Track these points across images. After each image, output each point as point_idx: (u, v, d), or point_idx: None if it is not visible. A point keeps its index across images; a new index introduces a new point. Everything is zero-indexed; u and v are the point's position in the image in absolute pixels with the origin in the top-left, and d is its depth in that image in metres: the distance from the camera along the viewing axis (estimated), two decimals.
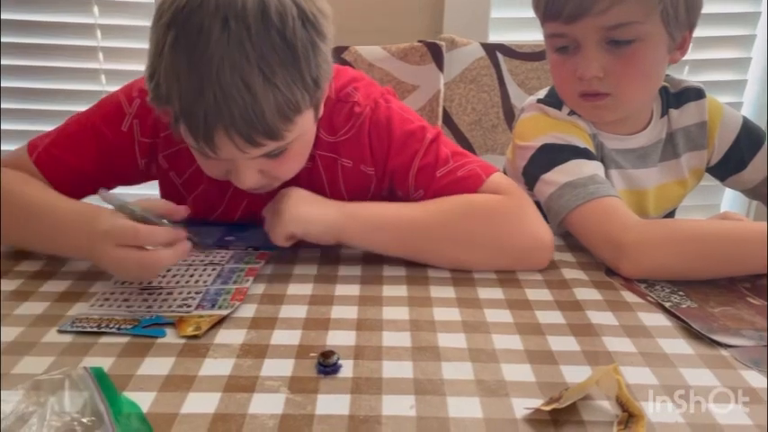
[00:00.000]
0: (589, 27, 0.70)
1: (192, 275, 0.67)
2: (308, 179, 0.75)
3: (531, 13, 0.77)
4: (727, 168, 0.86)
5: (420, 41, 1.12)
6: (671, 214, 0.89)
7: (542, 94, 0.83)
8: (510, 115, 1.18)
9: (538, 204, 0.74)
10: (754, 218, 1.45)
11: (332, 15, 0.64)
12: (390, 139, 0.74)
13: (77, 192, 0.73)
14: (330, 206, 0.70)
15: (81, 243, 0.63)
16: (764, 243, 0.63)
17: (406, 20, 1.34)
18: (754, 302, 0.62)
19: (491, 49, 1.17)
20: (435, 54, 1.11)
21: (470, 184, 0.72)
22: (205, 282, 0.65)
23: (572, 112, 0.79)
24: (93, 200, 0.70)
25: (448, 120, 1.17)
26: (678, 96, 0.84)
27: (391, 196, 0.78)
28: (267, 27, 0.58)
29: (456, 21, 1.33)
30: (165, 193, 0.80)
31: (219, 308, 0.60)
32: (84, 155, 0.73)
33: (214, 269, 0.68)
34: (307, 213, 0.69)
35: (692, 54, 1.37)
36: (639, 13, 0.69)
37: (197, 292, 0.63)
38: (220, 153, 0.61)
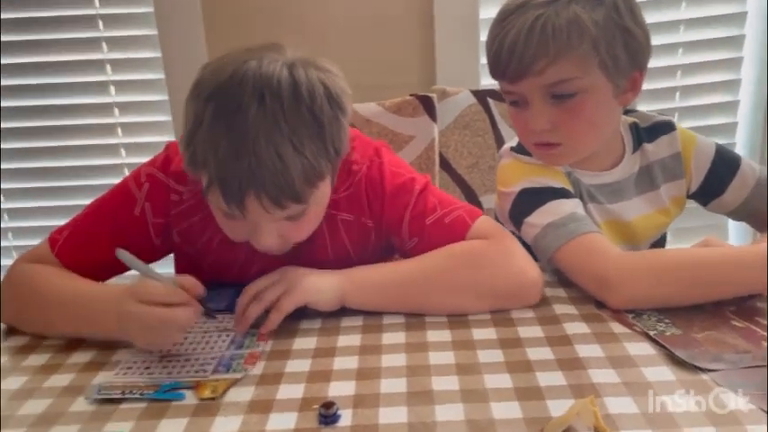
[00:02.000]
0: (532, 85, 0.75)
1: (207, 342, 0.71)
2: (311, 238, 0.77)
3: None
4: (706, 194, 0.89)
5: (412, 95, 1.18)
6: (662, 240, 0.92)
7: (515, 141, 0.88)
8: None
9: (528, 244, 0.78)
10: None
11: (351, 94, 0.72)
12: (384, 194, 0.80)
13: (100, 278, 0.79)
14: (332, 275, 0.75)
15: (109, 316, 0.67)
16: (742, 265, 0.66)
17: (400, 75, 1.41)
18: (737, 325, 0.64)
19: (481, 95, 1.23)
20: (427, 106, 1.17)
21: (458, 230, 0.77)
22: (220, 347, 0.69)
23: None
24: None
25: (446, 165, 1.22)
26: (650, 131, 0.88)
27: (390, 246, 0.83)
28: (298, 103, 0.66)
29: (448, 70, 1.39)
30: (179, 263, 0.86)
31: (234, 371, 0.64)
32: (102, 244, 0.77)
33: (228, 335, 0.72)
34: (315, 283, 0.73)
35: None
36: (576, 70, 0.73)
37: (212, 358, 0.67)
38: (248, 215, 0.67)
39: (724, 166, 0.87)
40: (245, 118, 0.64)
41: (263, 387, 0.60)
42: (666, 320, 0.66)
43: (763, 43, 1.41)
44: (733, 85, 1.46)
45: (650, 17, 1.38)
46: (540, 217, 0.77)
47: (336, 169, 0.75)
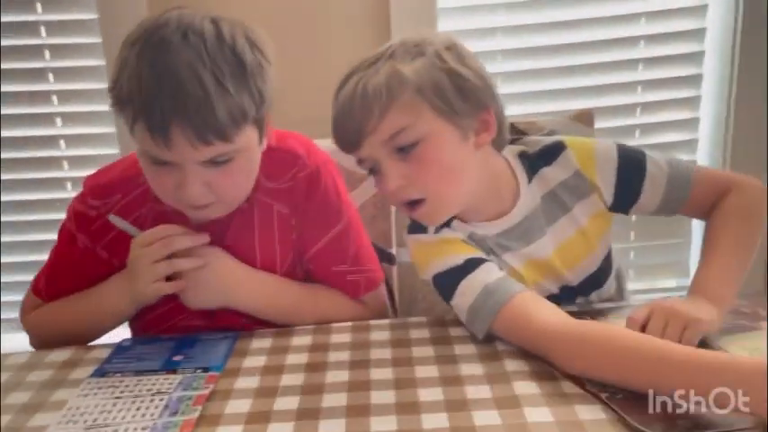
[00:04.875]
0: (372, 145, 0.73)
1: (138, 408, 0.66)
2: (241, 221, 0.84)
3: None
4: (623, 202, 0.83)
5: None
6: (606, 265, 0.86)
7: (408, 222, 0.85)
8: None
9: None
10: None
11: (274, 49, 0.76)
12: (316, 203, 0.85)
13: None
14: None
15: (119, 281, 0.82)
16: (687, 370, 0.57)
17: None
18: None
19: None
20: None
21: (351, 290, 0.88)
22: (152, 415, 0.65)
23: (438, 228, 0.81)
24: None
25: None
26: (542, 156, 0.84)
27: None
28: (221, 43, 0.69)
29: None
30: None
31: None
32: (76, 278, 0.86)
33: (162, 399, 0.68)
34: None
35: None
36: (406, 118, 0.71)
37: (143, 428, 0.62)
38: (174, 149, 0.68)
39: (630, 171, 0.82)
40: (168, 50, 0.67)
41: None
42: None
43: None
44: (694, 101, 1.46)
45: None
46: (460, 300, 0.75)
47: (264, 124, 0.77)
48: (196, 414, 0.64)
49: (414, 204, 0.76)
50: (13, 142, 1.44)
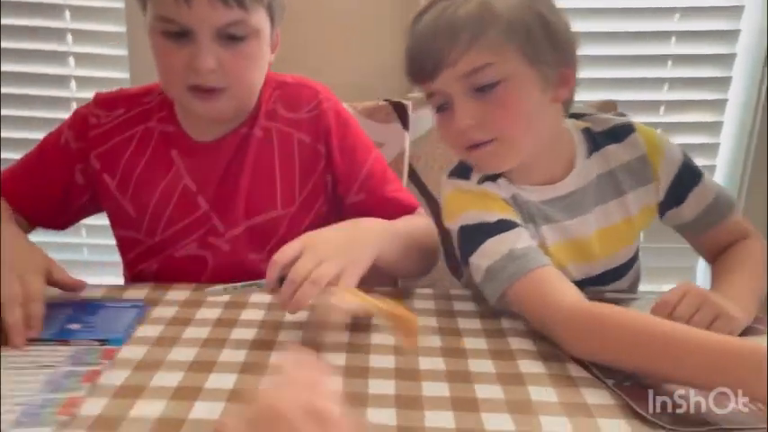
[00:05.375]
0: (449, 79, 0.70)
1: (18, 383, 0.57)
2: (260, 151, 0.84)
3: None
4: (668, 203, 0.81)
5: (386, 100, 1.13)
6: (632, 262, 0.85)
7: (453, 165, 0.82)
8: None
9: None
10: None
11: None
12: (351, 131, 0.88)
13: (44, 213, 0.86)
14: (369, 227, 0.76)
15: None
16: (704, 355, 0.54)
17: (379, 78, 1.35)
18: None
19: None
20: (401, 113, 1.11)
21: (409, 203, 0.89)
22: (30, 391, 0.56)
23: (481, 180, 0.78)
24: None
25: (415, 177, 1.16)
26: (608, 135, 0.81)
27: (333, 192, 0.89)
28: None
29: None
30: (108, 211, 0.89)
31: (42, 425, 0.51)
32: (30, 174, 0.86)
33: (45, 374, 0.59)
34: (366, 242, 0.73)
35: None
36: (491, 56, 0.69)
37: (17, 405, 0.54)
38: (193, 7, 0.71)
39: (689, 173, 0.80)
40: None
41: None
42: None
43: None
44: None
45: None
46: (480, 259, 0.72)
47: (275, 17, 0.80)
48: (82, 392, 0.56)
49: (479, 147, 0.73)
50: (20, 54, 1.40)
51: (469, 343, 0.66)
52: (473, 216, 0.74)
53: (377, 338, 0.67)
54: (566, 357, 0.63)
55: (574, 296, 0.66)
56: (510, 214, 0.75)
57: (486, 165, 0.76)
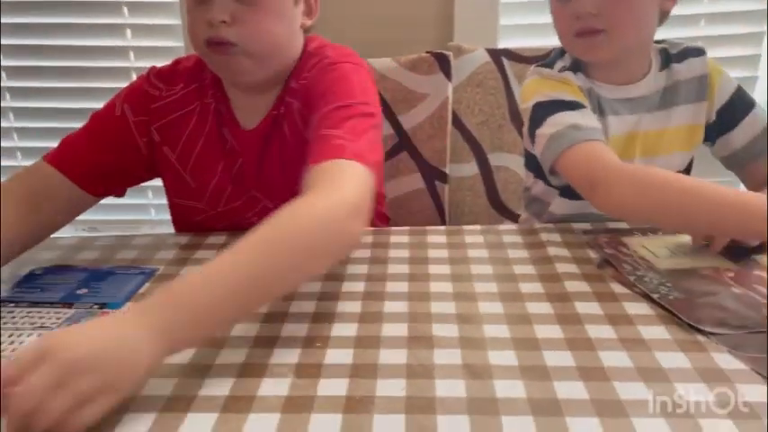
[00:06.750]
0: None
1: (11, 343, 0.58)
2: (275, 129, 0.83)
3: (537, 19, 0.84)
4: (719, 127, 0.90)
5: (428, 52, 1.17)
6: (686, 168, 0.92)
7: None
8: (515, 116, 1.22)
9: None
10: None
11: None
12: (327, 78, 0.79)
13: (94, 186, 0.83)
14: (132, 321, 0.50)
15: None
16: (739, 210, 0.66)
17: (418, 31, 1.40)
18: (737, 292, 0.65)
19: (496, 55, 1.21)
20: (443, 64, 1.16)
21: (326, 152, 0.68)
22: (14, 351, 0.57)
23: (563, 69, 0.87)
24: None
25: (457, 121, 1.22)
26: (679, 54, 0.90)
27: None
28: None
29: (466, 30, 1.37)
30: (167, 180, 0.90)
31: None
32: (87, 145, 0.83)
33: (40, 334, 0.60)
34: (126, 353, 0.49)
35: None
36: None
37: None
38: None
39: (741, 101, 0.89)
40: None
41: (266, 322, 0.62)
42: (668, 284, 0.67)
43: None
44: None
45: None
46: (547, 128, 0.82)
47: None
48: None
49: (590, 34, 0.81)
50: (79, 29, 1.49)
51: (519, 269, 0.73)
52: (548, 94, 0.84)
53: (434, 269, 0.74)
54: (609, 278, 0.69)
55: (620, 161, 0.75)
56: (583, 100, 0.84)
57: (588, 52, 0.85)
